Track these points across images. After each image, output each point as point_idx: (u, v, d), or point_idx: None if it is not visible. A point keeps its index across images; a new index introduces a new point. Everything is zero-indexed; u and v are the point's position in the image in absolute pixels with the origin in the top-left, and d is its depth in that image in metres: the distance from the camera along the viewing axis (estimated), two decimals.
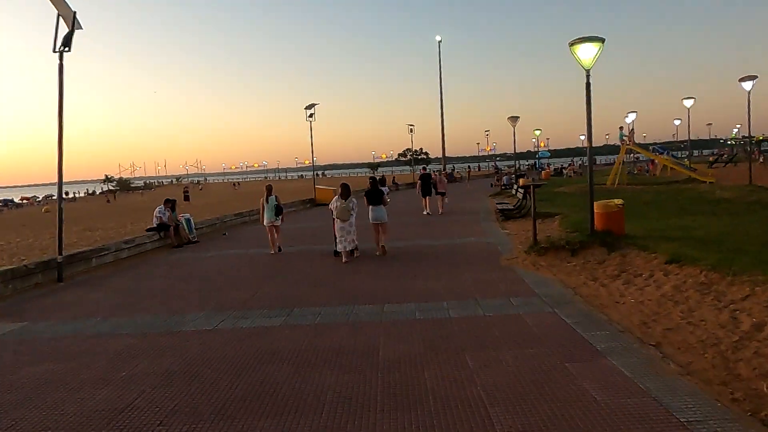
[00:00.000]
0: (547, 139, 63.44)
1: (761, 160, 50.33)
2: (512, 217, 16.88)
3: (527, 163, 63.71)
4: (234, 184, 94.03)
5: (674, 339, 5.51)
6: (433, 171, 27.49)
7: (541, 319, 6.42)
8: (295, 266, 11.05)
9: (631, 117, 33.53)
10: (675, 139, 76.82)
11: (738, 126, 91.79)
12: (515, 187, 22.47)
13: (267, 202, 13.05)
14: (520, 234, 13.58)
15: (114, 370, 5.54)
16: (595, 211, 10.53)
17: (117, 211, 39.81)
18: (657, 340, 5.49)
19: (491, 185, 36.60)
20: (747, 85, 22.68)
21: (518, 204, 18.65)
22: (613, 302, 6.99)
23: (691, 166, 31.95)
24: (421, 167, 25.79)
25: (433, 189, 20.53)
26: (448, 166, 55.55)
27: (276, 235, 13.10)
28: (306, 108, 28.44)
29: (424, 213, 20.07)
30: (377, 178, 13.62)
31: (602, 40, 9.64)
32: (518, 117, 28.12)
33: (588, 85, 9.96)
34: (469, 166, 68.77)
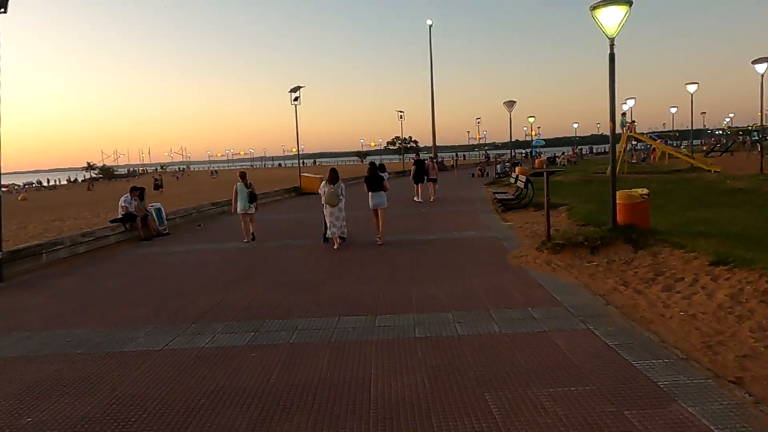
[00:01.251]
0: (539, 128, 62.23)
1: (758, 149, 49.60)
2: (512, 208, 15.58)
3: (523, 152, 62.33)
4: (212, 173, 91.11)
5: (758, 372, 4.21)
6: (429, 158, 26.85)
7: (574, 340, 5.10)
8: (273, 264, 9.66)
9: (630, 103, 32.36)
10: (668, 128, 75.73)
11: (731, 114, 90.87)
12: (512, 176, 21.18)
13: (240, 189, 12.28)
14: (524, 227, 12.28)
15: (16, 414, 4.14)
16: (617, 201, 9.24)
17: (96, 199, 37.83)
18: (735, 374, 4.19)
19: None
20: (761, 68, 21.43)
21: (517, 193, 17.37)
22: (658, 315, 5.69)
23: (692, 155, 30.92)
24: (414, 153, 24.89)
25: (425, 176, 20.47)
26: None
27: (250, 224, 12.53)
28: (291, 91, 26.84)
29: (415, 199, 19.92)
30: (377, 163, 12.69)
31: (629, 3, 8.28)
32: (515, 101, 26.73)
33: (612, 56, 8.60)
34: (456, 155, 67.29)
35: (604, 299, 6.39)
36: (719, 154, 43.61)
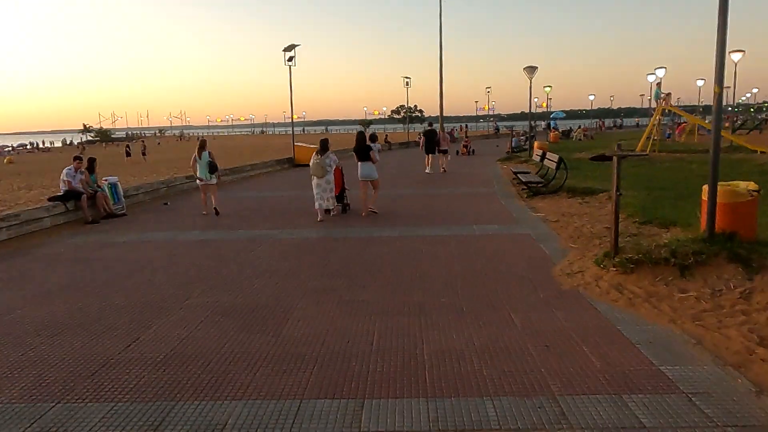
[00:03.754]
0: (549, 99, 58.97)
1: None
2: (539, 193, 12.97)
3: (542, 124, 59.07)
4: (179, 137, 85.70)
5: None
6: (453, 127, 26.49)
7: None
8: (233, 270, 7.12)
9: (660, 73, 29.19)
10: (692, 103, 71.66)
11: (755, 89, 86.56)
12: (536, 153, 18.47)
13: (200, 158, 11.72)
14: (562, 221, 9.69)
15: None
16: (702, 198, 6.65)
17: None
18: None
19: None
20: None
21: (543, 173, 14.73)
22: None
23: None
24: (427, 123, 23.44)
25: (436, 147, 20.04)
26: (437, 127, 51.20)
27: (212, 196, 11.84)
28: (285, 50, 23.91)
29: (426, 171, 19.42)
30: (365, 133, 12.11)
31: None
32: (536, 67, 23.66)
33: None
34: (466, 125, 64.06)
35: (741, 374, 3.85)
36: (747, 131, 40.62)
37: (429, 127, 21.46)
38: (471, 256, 7.49)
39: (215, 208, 11.65)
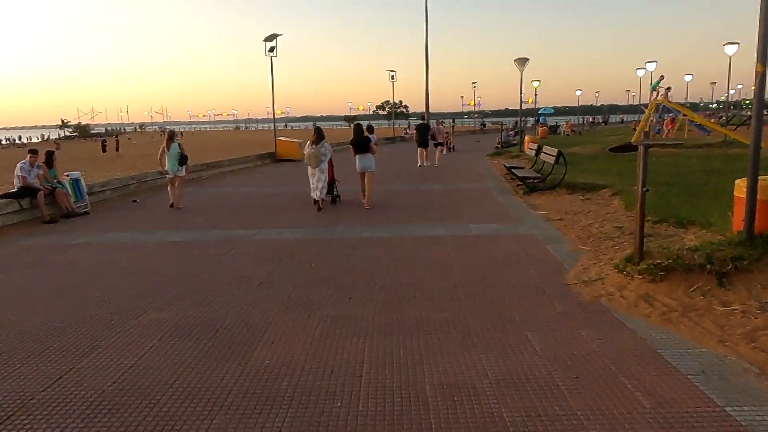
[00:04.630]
0: (536, 95, 58.28)
1: None
2: (537, 189, 12.17)
3: (531, 120, 58.47)
4: (161, 133, 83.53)
5: None
6: (438, 121, 26.27)
7: None
8: (201, 279, 6.19)
9: (651, 67, 28.52)
10: (686, 99, 71.26)
11: (740, 86, 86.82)
12: (529, 146, 17.70)
13: (168, 149, 11.33)
14: (566, 219, 8.89)
15: None
16: (735, 194, 5.87)
17: (59, 159, 33.63)
18: None
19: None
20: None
21: (538, 168, 13.94)
22: None
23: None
24: (420, 119, 23.95)
25: (431, 140, 20.20)
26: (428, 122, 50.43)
27: (178, 189, 11.48)
28: (265, 40, 22.85)
29: (419, 165, 19.19)
30: (363, 126, 11.54)
31: None
32: (527, 59, 22.85)
33: None
34: (453, 120, 63.27)
35: None
36: (735, 127, 40.35)
37: (422, 122, 22.51)
38: (472, 260, 6.64)
39: (173, 204, 11.36)
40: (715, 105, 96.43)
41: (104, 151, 37.60)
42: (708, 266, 5.08)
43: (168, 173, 11.44)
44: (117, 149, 39.26)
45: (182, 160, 11.27)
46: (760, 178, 5.49)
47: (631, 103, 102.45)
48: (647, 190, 5.55)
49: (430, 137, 20.15)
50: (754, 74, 5.34)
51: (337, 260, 6.85)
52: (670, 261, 5.21)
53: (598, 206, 9.75)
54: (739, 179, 5.82)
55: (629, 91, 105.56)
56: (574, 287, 5.48)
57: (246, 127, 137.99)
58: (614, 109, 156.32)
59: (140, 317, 4.96)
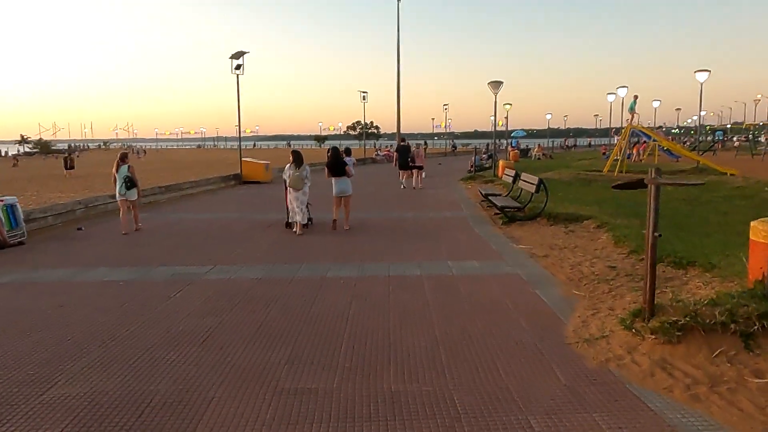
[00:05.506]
0: (505, 117, 58.19)
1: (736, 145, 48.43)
2: (516, 218, 11.49)
3: (505, 143, 58.56)
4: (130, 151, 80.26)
5: None
6: (417, 144, 25.52)
7: None
8: (134, 332, 5.19)
9: (622, 93, 28.58)
10: (654, 123, 72.81)
11: (703, 112, 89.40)
12: (506, 173, 17.10)
13: (117, 171, 10.92)
14: (551, 256, 8.16)
15: None
16: (751, 238, 5.20)
17: (16, 177, 31.63)
18: None
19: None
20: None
21: (514, 195, 13.29)
22: None
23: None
24: (401, 139, 23.25)
25: (411, 163, 19.76)
26: (394, 144, 50.11)
27: (134, 211, 11.14)
28: (232, 57, 21.95)
29: (402, 187, 19.45)
30: (340, 149, 11.73)
31: None
32: (501, 82, 22.52)
33: None
34: (425, 142, 62.98)
35: None
36: (701, 153, 40.98)
37: (402, 143, 21.21)
38: (453, 308, 5.81)
39: (137, 226, 11.17)
40: (676, 130, 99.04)
41: (66, 167, 33.96)
42: (732, 325, 4.35)
43: (119, 196, 10.98)
44: (71, 167, 34.95)
45: (129, 184, 10.87)
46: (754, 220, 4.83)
47: (598, 126, 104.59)
48: (659, 235, 4.81)
49: (409, 159, 19.74)
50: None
51: (297, 308, 5.93)
52: (688, 319, 4.47)
53: (584, 240, 9.07)
54: (755, 221, 5.14)
55: (597, 115, 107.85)
56: (575, 348, 4.69)
57: (215, 145, 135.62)
58: (581, 132, 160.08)
59: (46, 392, 3.96)
